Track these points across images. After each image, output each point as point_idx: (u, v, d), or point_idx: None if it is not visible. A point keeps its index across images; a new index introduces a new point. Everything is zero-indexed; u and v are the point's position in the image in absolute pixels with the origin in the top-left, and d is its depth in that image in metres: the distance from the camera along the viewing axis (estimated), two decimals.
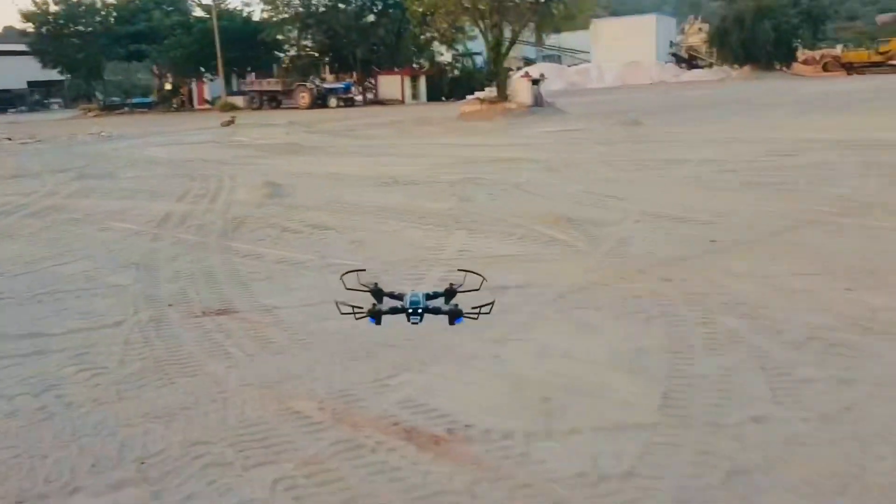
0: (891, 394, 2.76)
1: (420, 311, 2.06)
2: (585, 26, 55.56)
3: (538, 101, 21.37)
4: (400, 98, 37.91)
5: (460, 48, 36.68)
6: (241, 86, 42.91)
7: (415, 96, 38.45)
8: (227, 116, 27.06)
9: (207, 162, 12.95)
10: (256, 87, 39.85)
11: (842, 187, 7.43)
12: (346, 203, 7.72)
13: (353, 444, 2.55)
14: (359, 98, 38.77)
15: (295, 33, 41.82)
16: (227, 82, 42.55)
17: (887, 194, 7.01)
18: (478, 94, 23.85)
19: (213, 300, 4.40)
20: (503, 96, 21.97)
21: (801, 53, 48.50)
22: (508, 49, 23.74)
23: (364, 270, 2.32)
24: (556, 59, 57.93)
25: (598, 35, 56.05)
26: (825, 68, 43.89)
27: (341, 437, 2.60)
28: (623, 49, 51.96)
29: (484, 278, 2.27)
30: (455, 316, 2.09)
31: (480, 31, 24.07)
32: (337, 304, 2.09)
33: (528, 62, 47.63)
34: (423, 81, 39.13)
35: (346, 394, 2.98)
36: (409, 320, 2.06)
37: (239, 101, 39.12)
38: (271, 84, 39.50)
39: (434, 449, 2.49)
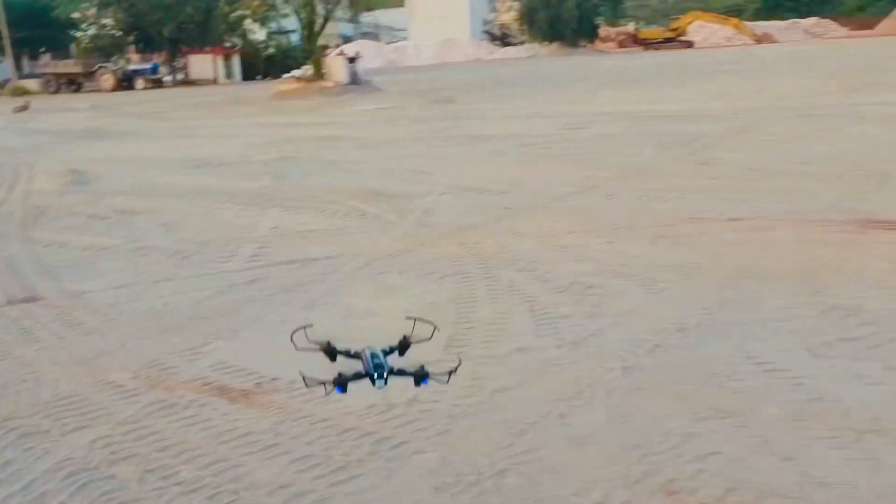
0: (627, 321, 3.37)
1: (385, 374, 2.06)
2: (401, 4, 56.06)
3: (355, 80, 21.61)
4: (213, 78, 36.65)
5: (274, 26, 36.00)
6: (34, 68, 39.58)
7: (228, 76, 37.32)
8: (19, 101, 25.02)
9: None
10: (52, 70, 36.93)
11: (622, 155, 8.34)
12: (156, 187, 7.66)
13: (167, 404, 2.78)
14: (168, 79, 37.06)
15: (94, 10, 39.11)
16: (18, 65, 39.09)
17: (660, 160, 7.97)
18: (294, 72, 23.68)
19: (17, 289, 4.36)
20: (319, 75, 21.99)
21: (603, 31, 51.97)
22: (322, 27, 23.71)
23: (311, 326, 2.33)
24: (374, 36, 58.12)
25: (414, 13, 56.83)
26: (621, 45, 47.32)
27: (155, 400, 2.81)
28: (439, 27, 53.12)
29: (436, 327, 2.32)
30: (421, 378, 2.10)
31: (293, 9, 23.86)
32: (304, 378, 2.09)
33: (346, 40, 47.53)
34: (236, 60, 38.04)
35: (159, 363, 3.17)
36: (373, 384, 2.06)
37: (33, 84, 36.12)
38: (69, 66, 36.77)
39: (243, 401, 2.78)
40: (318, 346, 2.19)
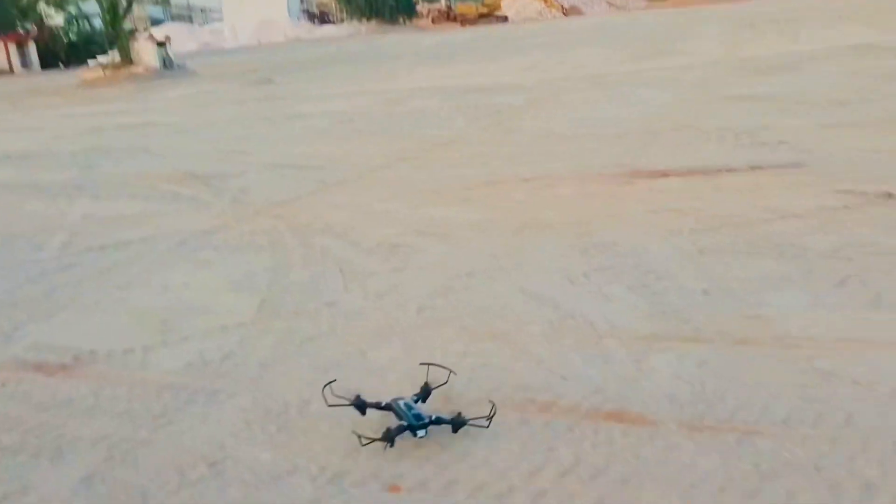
0: (426, 272, 3.79)
1: (426, 423, 2.19)
2: None
3: (167, 65, 20.81)
4: (7, 67, 33.71)
5: (73, 10, 33.56)
6: None
7: (25, 65, 34.44)
8: None
9: None
10: None
11: (435, 128, 8.81)
12: None
13: None
14: None
15: None
16: None
17: (468, 131, 8.50)
18: (100, 59, 22.36)
19: None
20: (128, 61, 20.95)
21: (421, 7, 52.72)
22: (127, 10, 22.54)
23: (335, 381, 2.45)
24: (186, 19, 55.60)
25: None
26: (434, 22, 48.31)
27: None
28: (255, 7, 51.59)
29: (451, 371, 2.48)
30: (460, 425, 2.21)
31: None
32: (359, 437, 2.15)
33: (157, 23, 45.21)
34: (32, 48, 35.11)
35: None
36: (414, 435, 2.18)
37: None
38: None
39: (61, 374, 2.91)
40: (348, 401, 2.32)
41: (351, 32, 48.95)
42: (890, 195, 4.27)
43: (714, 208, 4.34)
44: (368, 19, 51.21)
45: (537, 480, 2.00)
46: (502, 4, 50.98)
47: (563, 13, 49.84)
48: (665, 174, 5.35)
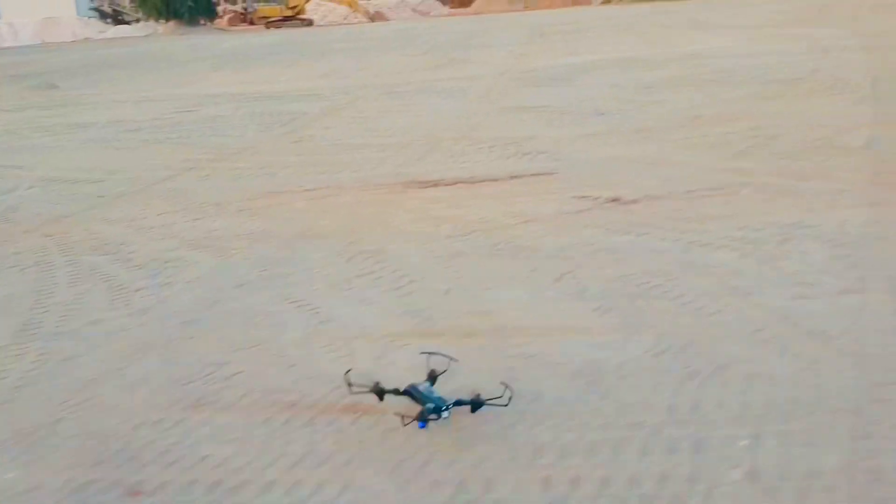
0: (195, 286, 3.91)
1: (449, 407, 2.37)
2: None
3: None
4: None
5: None
6: None
7: None
8: None
9: None
10: None
11: (225, 136, 8.78)
12: None
13: None
14: None
15: None
16: None
17: (259, 139, 8.56)
18: None
19: None
20: None
21: (222, 9, 51.20)
22: None
23: (350, 370, 2.55)
24: None
25: None
26: (230, 23, 47.23)
27: None
28: (39, 3, 47.80)
29: (452, 359, 2.63)
30: (478, 405, 2.39)
31: None
32: (402, 417, 2.31)
33: None
34: None
35: None
36: (438, 417, 2.34)
37: None
38: None
39: None
40: (367, 388, 2.48)
41: (147, 33, 46.58)
42: (616, 199, 4.94)
43: (470, 215, 4.79)
44: (166, 20, 48.96)
45: (269, 472, 2.25)
46: (307, 7, 50.67)
47: (369, 18, 50.38)
48: (436, 184, 5.78)
